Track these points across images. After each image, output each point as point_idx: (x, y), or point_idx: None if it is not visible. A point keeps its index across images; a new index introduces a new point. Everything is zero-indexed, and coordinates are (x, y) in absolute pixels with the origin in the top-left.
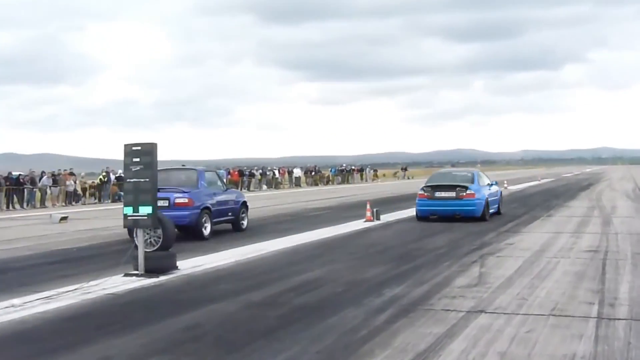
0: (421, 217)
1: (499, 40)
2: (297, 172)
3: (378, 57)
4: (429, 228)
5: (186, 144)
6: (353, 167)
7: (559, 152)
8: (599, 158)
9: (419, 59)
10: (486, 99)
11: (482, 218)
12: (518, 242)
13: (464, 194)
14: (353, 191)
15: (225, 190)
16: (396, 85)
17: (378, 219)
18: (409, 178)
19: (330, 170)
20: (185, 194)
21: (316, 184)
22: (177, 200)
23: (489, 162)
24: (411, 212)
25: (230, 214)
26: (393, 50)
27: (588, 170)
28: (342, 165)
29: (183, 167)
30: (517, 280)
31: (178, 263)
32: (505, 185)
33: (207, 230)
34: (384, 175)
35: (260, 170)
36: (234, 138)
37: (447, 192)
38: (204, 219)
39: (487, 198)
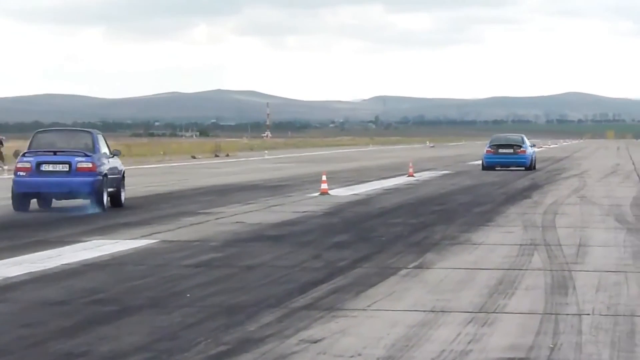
0: (487, 167)
1: None
2: None
3: None
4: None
5: None
6: None
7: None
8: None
9: None
10: None
11: (530, 168)
12: None
13: (519, 150)
14: None
15: (112, 157)
16: None
17: None
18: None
19: None
20: (88, 157)
21: None
22: (80, 165)
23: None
24: None
25: (115, 185)
26: None
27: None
28: None
29: (75, 129)
30: None
31: None
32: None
33: (111, 199)
34: None
35: None
36: None
37: (506, 149)
38: (104, 188)
39: (533, 155)
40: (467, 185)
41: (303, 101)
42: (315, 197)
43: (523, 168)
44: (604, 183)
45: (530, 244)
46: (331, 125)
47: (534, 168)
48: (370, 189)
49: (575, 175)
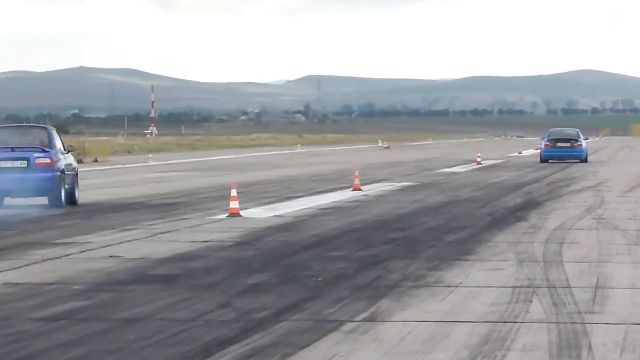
0: (544, 159)
1: None
2: None
3: None
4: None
5: None
6: None
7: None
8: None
9: None
10: None
11: (585, 160)
12: None
13: (576, 144)
14: None
15: (67, 153)
16: None
17: None
18: None
19: None
20: (47, 153)
21: None
22: (39, 161)
23: None
24: None
25: (70, 182)
26: None
27: None
28: None
29: (30, 125)
30: None
31: None
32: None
33: (66, 196)
34: None
35: None
36: None
37: (564, 143)
38: (62, 185)
39: (586, 148)
40: (436, 202)
41: (202, 83)
42: (222, 220)
43: (578, 160)
44: (629, 199)
45: (528, 286)
46: (243, 117)
47: (587, 160)
48: (299, 208)
49: (589, 188)
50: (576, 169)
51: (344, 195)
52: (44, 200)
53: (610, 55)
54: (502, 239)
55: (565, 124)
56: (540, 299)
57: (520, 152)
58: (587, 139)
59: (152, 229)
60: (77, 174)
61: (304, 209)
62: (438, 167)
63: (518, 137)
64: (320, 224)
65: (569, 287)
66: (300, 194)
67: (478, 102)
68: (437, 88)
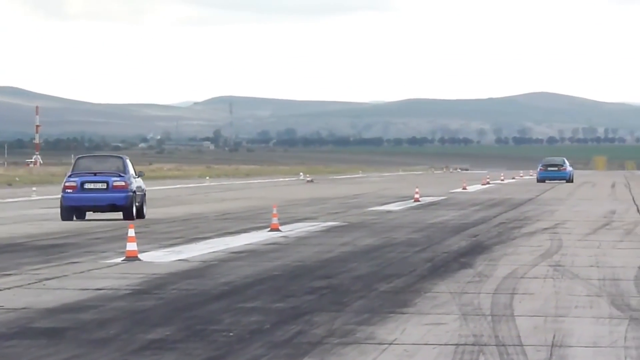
0: (540, 180)
1: None
2: None
3: None
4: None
5: None
6: None
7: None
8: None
9: None
10: None
11: (570, 181)
12: None
13: (562, 168)
14: None
15: (137, 177)
16: None
17: None
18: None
19: None
20: (122, 177)
21: None
22: (115, 183)
23: None
24: None
25: (139, 200)
26: None
27: None
28: None
29: (109, 154)
30: None
31: None
32: None
33: (135, 211)
34: None
35: None
36: None
37: (553, 168)
38: (134, 202)
39: (571, 172)
40: (367, 246)
41: (95, 105)
42: (118, 264)
43: (565, 180)
44: (591, 243)
45: (474, 344)
46: (142, 144)
47: (572, 181)
48: (207, 251)
49: (544, 230)
50: (530, 207)
51: (259, 237)
52: (119, 215)
53: (569, 76)
54: (443, 288)
55: (517, 156)
56: (488, 359)
57: (464, 188)
58: (571, 165)
59: (36, 274)
60: (145, 194)
61: (213, 252)
62: (370, 205)
63: (462, 169)
64: (232, 270)
65: (521, 345)
66: (208, 235)
67: (416, 129)
68: (368, 112)
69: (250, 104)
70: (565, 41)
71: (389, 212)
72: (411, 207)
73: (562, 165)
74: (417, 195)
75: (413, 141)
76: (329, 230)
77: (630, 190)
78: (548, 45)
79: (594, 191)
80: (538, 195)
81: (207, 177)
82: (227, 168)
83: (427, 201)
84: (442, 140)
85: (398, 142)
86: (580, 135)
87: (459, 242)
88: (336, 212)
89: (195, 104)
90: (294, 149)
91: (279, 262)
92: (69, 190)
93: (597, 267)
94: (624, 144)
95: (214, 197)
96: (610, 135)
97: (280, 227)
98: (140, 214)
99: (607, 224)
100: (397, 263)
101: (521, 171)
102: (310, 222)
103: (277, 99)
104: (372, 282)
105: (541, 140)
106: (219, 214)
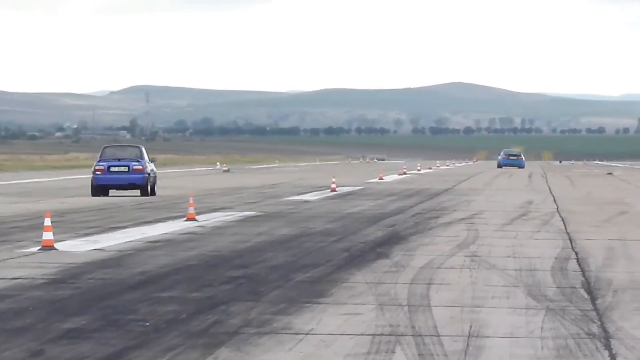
0: (500, 166)
1: None
2: None
3: None
4: None
5: None
6: None
7: None
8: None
9: None
10: None
11: (522, 167)
12: None
13: (519, 158)
14: None
15: (151, 162)
16: None
17: None
18: None
19: None
20: (139, 162)
21: None
22: (135, 167)
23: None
24: None
25: (152, 181)
26: None
27: None
28: None
29: (130, 145)
30: None
31: None
32: None
33: (150, 190)
34: None
35: None
36: None
37: (513, 157)
38: (149, 183)
39: (524, 160)
40: (284, 235)
41: (10, 93)
42: (34, 253)
43: (521, 167)
44: (507, 233)
45: (390, 334)
46: (58, 134)
47: (524, 167)
48: (123, 241)
49: (461, 220)
50: (447, 198)
51: (175, 226)
52: (137, 192)
53: (486, 66)
54: (360, 278)
55: (434, 146)
56: (405, 349)
57: (381, 178)
58: (519, 154)
59: None
60: (156, 176)
61: (129, 241)
62: (286, 195)
63: (379, 159)
64: (149, 260)
65: (438, 335)
66: (124, 224)
67: (333, 119)
68: (285, 102)
69: (167, 93)
70: (482, 32)
71: (305, 202)
72: (328, 197)
73: (520, 156)
74: (333, 185)
75: (330, 131)
76: (246, 220)
77: (547, 181)
78: (465, 36)
79: (511, 181)
80: (455, 186)
81: None
82: None
83: (343, 191)
84: (359, 130)
85: (315, 132)
86: (497, 126)
87: (375, 232)
88: (253, 202)
89: (112, 93)
90: (210, 138)
91: (195, 251)
92: (98, 172)
93: (514, 257)
94: (541, 134)
95: None
96: (527, 126)
97: (196, 217)
98: (153, 192)
99: (523, 215)
100: (313, 253)
101: (438, 161)
102: (226, 211)
103: (194, 89)
104: (289, 272)
105: (458, 131)
106: (134, 204)
